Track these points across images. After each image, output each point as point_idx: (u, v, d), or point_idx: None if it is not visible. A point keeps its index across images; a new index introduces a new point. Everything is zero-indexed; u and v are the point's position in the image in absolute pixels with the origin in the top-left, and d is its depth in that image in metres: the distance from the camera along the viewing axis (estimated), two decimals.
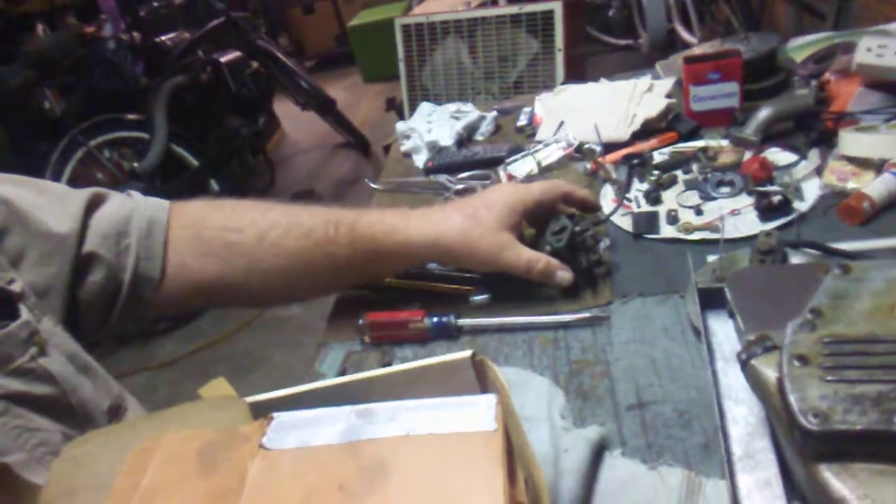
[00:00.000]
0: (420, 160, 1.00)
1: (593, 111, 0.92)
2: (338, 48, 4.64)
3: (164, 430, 0.40)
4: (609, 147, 0.87)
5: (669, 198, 0.76)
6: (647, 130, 0.89)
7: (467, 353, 0.40)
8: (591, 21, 3.39)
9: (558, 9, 1.88)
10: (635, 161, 0.81)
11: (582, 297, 0.65)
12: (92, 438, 0.45)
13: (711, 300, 0.54)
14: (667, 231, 0.70)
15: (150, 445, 0.39)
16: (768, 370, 0.40)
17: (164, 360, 2.19)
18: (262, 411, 0.40)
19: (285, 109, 3.43)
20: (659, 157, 0.83)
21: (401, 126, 1.05)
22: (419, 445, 0.35)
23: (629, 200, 0.77)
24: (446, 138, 0.99)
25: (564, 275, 0.65)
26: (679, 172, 0.80)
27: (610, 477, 0.48)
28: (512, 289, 0.67)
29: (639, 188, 0.79)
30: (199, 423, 0.41)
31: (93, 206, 0.62)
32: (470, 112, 1.03)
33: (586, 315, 0.62)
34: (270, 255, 0.65)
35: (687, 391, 0.52)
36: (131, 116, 2.19)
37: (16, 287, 0.52)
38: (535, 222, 0.71)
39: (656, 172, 0.79)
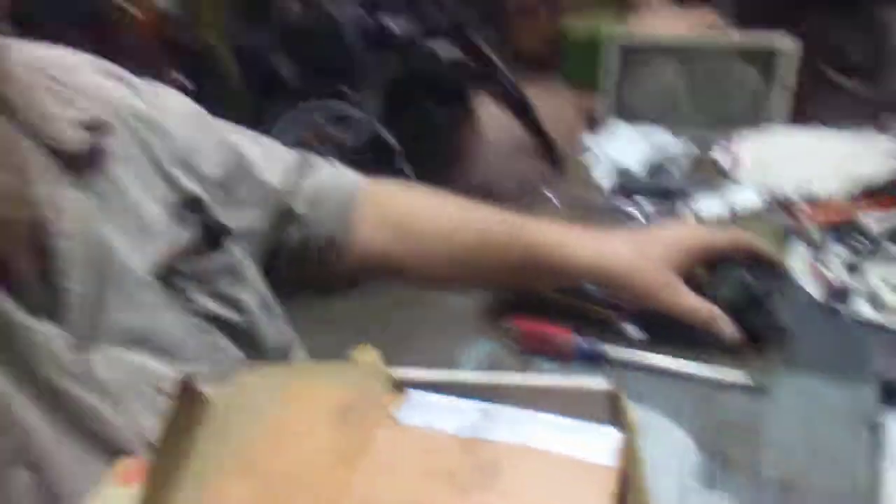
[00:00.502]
0: (603, 179, 0.98)
1: (805, 160, 0.85)
2: (548, 54, 4.67)
3: (316, 379, 0.45)
4: (815, 203, 0.80)
5: (873, 272, 0.68)
6: (864, 192, 0.80)
7: (604, 383, 0.40)
8: (829, 61, 3.07)
9: (788, 45, 1.74)
10: (842, 224, 0.74)
11: (745, 357, 0.61)
12: (259, 370, 0.51)
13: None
14: (861, 308, 0.63)
15: (299, 391, 0.44)
16: None
17: (325, 317, 2.37)
18: (398, 385, 0.43)
19: (484, 108, 3.52)
20: (872, 223, 0.74)
21: (590, 141, 1.04)
22: (533, 458, 0.36)
23: (824, 266, 0.70)
24: (635, 162, 0.97)
25: (728, 330, 0.61)
26: (891, 245, 0.71)
27: None
28: (668, 330, 0.65)
29: (839, 254, 0.71)
30: (346, 382, 0.45)
31: (303, 167, 0.69)
32: (666, 138, 1.00)
33: (747, 381, 0.58)
34: (442, 243, 0.69)
35: (842, 482, 0.47)
36: (350, 92, 2.40)
37: (227, 223, 0.60)
38: (707, 265, 0.67)
39: (864, 240, 0.71)
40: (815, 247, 0.72)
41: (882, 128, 0.93)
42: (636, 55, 2.03)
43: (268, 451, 0.39)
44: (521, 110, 2.97)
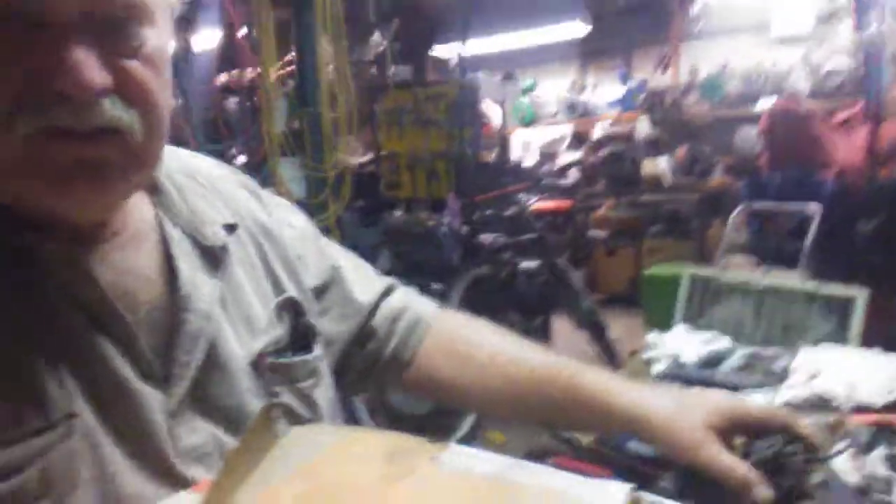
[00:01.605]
0: (657, 369, 1.05)
1: (853, 370, 0.89)
2: (628, 291, 4.86)
3: (371, 433, 0.53)
4: (859, 409, 0.83)
5: None
6: None
7: (626, 487, 0.43)
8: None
9: (862, 298, 1.80)
10: (884, 429, 0.76)
11: None
12: (321, 426, 0.60)
13: None
14: None
15: (356, 436, 0.52)
16: None
17: None
18: (442, 442, 0.50)
19: (559, 325, 3.65)
20: None
21: (652, 336, 1.12)
22: (551, 496, 0.42)
23: (863, 461, 0.72)
24: (691, 356, 1.03)
25: (764, 491, 0.62)
26: None
27: None
28: (702, 488, 0.67)
29: (880, 453, 0.73)
30: (397, 437, 0.52)
31: (387, 291, 0.79)
32: (722, 343, 1.07)
33: None
34: (494, 375, 0.74)
35: None
36: (435, 286, 2.62)
37: (318, 329, 0.70)
38: (747, 436, 0.70)
39: None
40: (857, 444, 0.74)
41: None
42: (707, 291, 2.14)
43: (322, 468, 0.47)
44: (597, 333, 3.08)
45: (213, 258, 0.60)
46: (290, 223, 0.73)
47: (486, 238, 2.98)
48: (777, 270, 2.78)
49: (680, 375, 0.99)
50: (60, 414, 0.47)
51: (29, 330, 0.48)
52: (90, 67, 0.44)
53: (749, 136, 4.89)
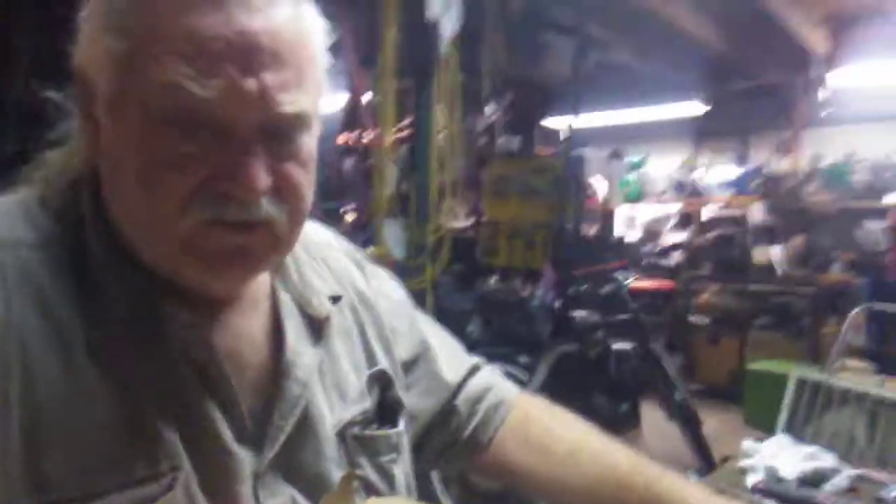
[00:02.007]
0: (751, 480, 0.98)
1: None
2: (729, 384, 4.57)
3: None
4: None
5: None
6: None
7: None
8: None
9: None
10: None
11: None
12: (395, 498, 0.62)
13: None
14: None
15: None
16: None
17: None
18: None
19: (649, 413, 3.48)
20: None
21: (748, 444, 1.06)
22: None
23: None
24: (791, 471, 0.97)
25: None
26: None
27: None
28: None
29: None
30: None
31: (473, 370, 0.80)
32: (828, 462, 0.99)
33: None
34: (571, 470, 0.73)
35: None
36: (523, 359, 2.59)
37: (404, 403, 0.71)
38: None
39: None
40: None
41: None
42: (817, 396, 1.98)
43: None
44: (689, 425, 2.91)
45: (317, 328, 0.64)
46: (388, 294, 0.76)
47: (579, 314, 2.93)
48: None
49: (776, 491, 0.92)
50: (166, 467, 0.51)
51: (146, 383, 0.52)
52: (259, 174, 0.50)
53: (874, 232, 4.59)
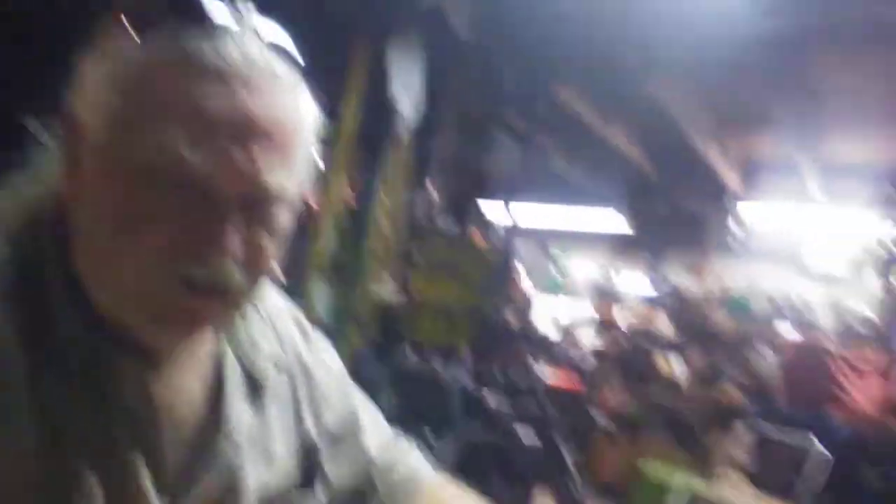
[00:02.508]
0: None
1: None
2: (620, 484, 4.70)
3: None
4: None
5: None
6: None
7: None
8: None
9: None
10: None
11: None
12: None
13: None
14: None
15: None
16: None
17: None
18: None
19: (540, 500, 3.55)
20: None
21: None
22: None
23: None
24: None
25: None
26: None
27: None
28: None
29: None
30: None
31: (394, 445, 0.81)
32: None
33: None
34: None
35: None
36: (430, 435, 2.65)
37: (325, 471, 0.72)
38: None
39: None
40: None
41: None
42: None
43: None
44: None
45: (254, 389, 0.64)
46: (327, 364, 0.76)
47: (492, 400, 3.03)
48: (771, 499, 2.74)
49: None
50: None
51: (80, 426, 0.52)
52: (235, 242, 0.51)
53: (768, 358, 4.95)
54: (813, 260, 5.47)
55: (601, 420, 5.19)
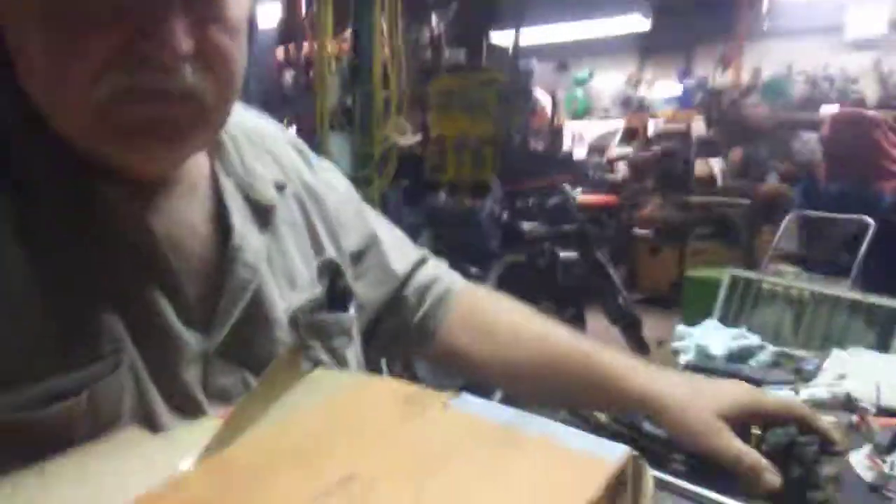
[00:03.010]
0: (684, 359, 1.05)
1: (882, 374, 0.88)
2: (669, 293, 4.78)
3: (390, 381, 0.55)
4: (885, 412, 0.82)
5: None
6: None
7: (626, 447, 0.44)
8: None
9: None
10: None
11: None
12: (344, 371, 0.63)
13: None
14: None
15: (376, 382, 0.54)
16: None
17: None
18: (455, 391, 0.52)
19: (593, 319, 3.63)
20: None
21: (681, 328, 1.12)
22: (548, 449, 0.43)
23: (885, 462, 0.71)
24: (718, 348, 1.03)
25: (772, 478, 0.62)
26: None
27: None
28: (713, 474, 0.67)
29: None
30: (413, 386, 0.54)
31: (420, 262, 0.82)
32: (752, 339, 1.06)
33: None
34: (514, 351, 0.76)
35: None
36: (473, 269, 2.64)
37: (354, 291, 0.72)
38: (762, 427, 0.69)
39: None
40: (878, 445, 0.74)
41: None
42: (749, 293, 2.10)
43: (345, 402, 0.50)
44: (631, 329, 3.06)
45: (263, 214, 0.63)
46: (335, 187, 0.75)
47: (527, 225, 2.98)
48: (824, 281, 2.71)
49: (706, 367, 0.98)
50: (108, 349, 0.50)
51: (83, 269, 0.50)
52: (179, 34, 0.46)
53: (810, 143, 4.75)
54: (854, 27, 5.01)
55: (641, 232, 5.20)
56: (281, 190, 0.66)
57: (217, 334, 0.57)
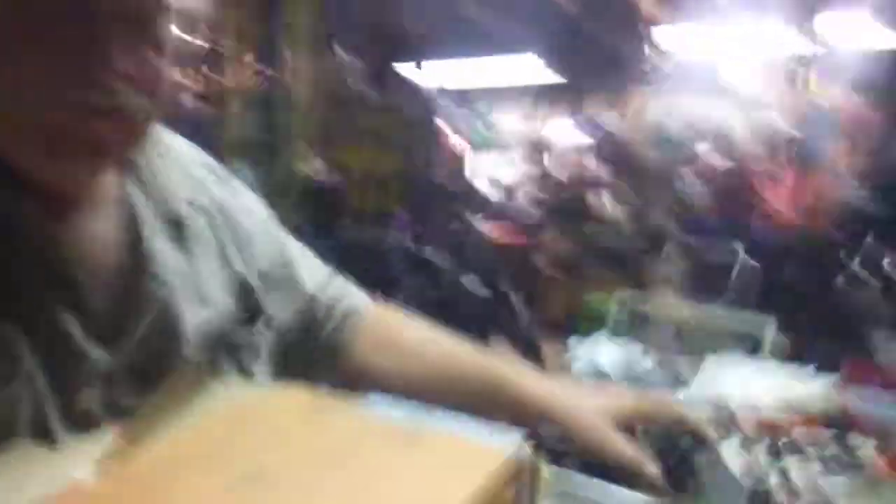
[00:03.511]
0: (576, 367, 1.11)
1: (749, 376, 0.98)
2: (567, 319, 4.95)
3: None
4: (751, 409, 0.91)
5: (792, 463, 0.76)
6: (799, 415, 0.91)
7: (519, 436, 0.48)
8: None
9: (770, 326, 1.89)
10: (769, 427, 0.84)
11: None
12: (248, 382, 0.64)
13: None
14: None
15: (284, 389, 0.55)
16: None
17: None
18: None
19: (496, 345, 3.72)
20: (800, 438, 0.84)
21: (573, 341, 1.20)
22: (448, 443, 0.46)
23: (750, 453, 0.79)
24: (608, 365, 1.11)
25: (652, 469, 0.67)
26: (812, 450, 0.80)
27: None
28: (603, 467, 0.72)
29: (763, 446, 0.81)
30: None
31: (329, 280, 0.81)
32: (635, 348, 1.14)
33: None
34: (419, 365, 0.78)
35: None
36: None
37: (264, 308, 0.72)
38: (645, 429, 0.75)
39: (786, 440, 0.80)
40: (745, 438, 0.82)
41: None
42: (636, 318, 2.24)
43: (250, 406, 0.50)
44: (530, 349, 3.16)
45: (175, 229, 0.63)
46: (248, 207, 0.75)
47: (433, 256, 3.04)
48: (702, 304, 2.93)
49: (595, 374, 1.05)
50: (3, 362, 0.49)
51: None
52: (126, 61, 0.49)
53: (691, 181, 5.12)
54: (733, 81, 5.52)
55: (545, 266, 5.38)
56: (191, 206, 0.66)
57: (122, 349, 0.56)
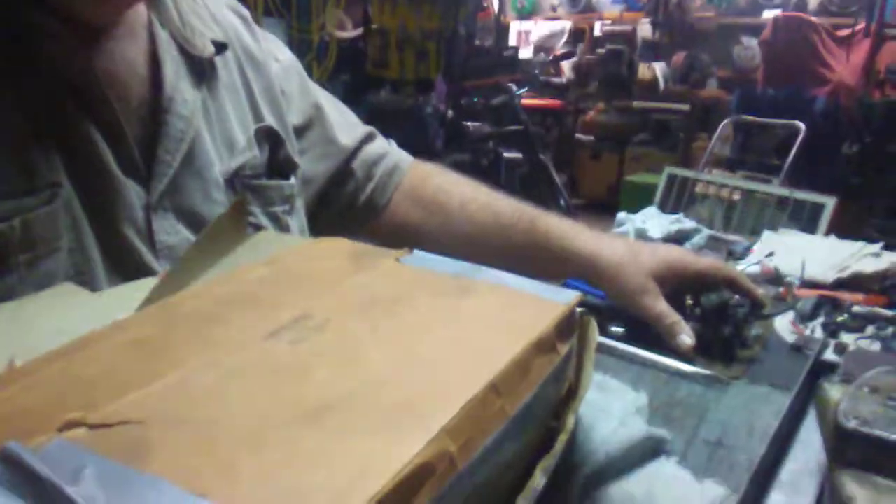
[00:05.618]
0: None
1: (808, 252, 0.93)
2: (607, 197, 4.88)
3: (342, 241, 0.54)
4: (808, 285, 0.87)
5: (850, 340, 0.73)
6: (858, 286, 0.87)
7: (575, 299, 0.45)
8: (874, 213, 2.98)
9: (830, 204, 1.84)
10: (827, 302, 0.80)
11: (713, 366, 0.66)
12: (289, 234, 0.62)
13: None
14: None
15: (327, 241, 0.53)
16: (833, 392, 0.41)
17: None
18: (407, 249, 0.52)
19: None
20: (858, 310, 0.80)
21: (621, 215, 1.15)
22: (504, 290, 0.44)
23: (805, 327, 0.76)
24: (656, 231, 1.06)
25: (686, 339, 0.66)
26: (872, 328, 0.76)
27: (652, 472, 0.49)
28: (646, 335, 0.70)
29: (819, 321, 0.77)
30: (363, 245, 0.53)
31: (368, 138, 0.81)
32: (687, 224, 1.09)
33: (709, 373, 0.63)
34: (462, 221, 0.77)
35: (761, 444, 0.52)
36: None
37: (297, 162, 0.71)
38: (693, 292, 0.73)
39: (846, 316, 0.77)
40: (801, 313, 0.79)
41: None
42: (685, 191, 2.16)
43: (288, 259, 0.48)
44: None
45: (199, 70, 0.61)
46: (277, 57, 0.73)
47: (472, 125, 2.95)
48: (755, 180, 2.82)
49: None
50: (44, 182, 0.50)
51: (22, 102, 0.49)
52: None
53: (751, 48, 4.79)
54: None
55: (583, 137, 5.22)
56: (221, 51, 0.64)
57: (157, 185, 0.56)
